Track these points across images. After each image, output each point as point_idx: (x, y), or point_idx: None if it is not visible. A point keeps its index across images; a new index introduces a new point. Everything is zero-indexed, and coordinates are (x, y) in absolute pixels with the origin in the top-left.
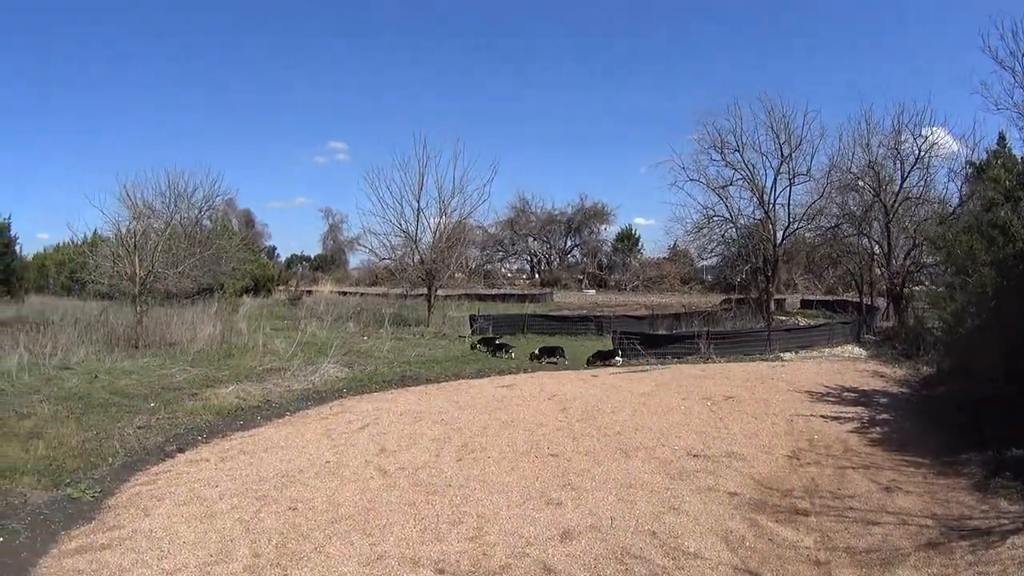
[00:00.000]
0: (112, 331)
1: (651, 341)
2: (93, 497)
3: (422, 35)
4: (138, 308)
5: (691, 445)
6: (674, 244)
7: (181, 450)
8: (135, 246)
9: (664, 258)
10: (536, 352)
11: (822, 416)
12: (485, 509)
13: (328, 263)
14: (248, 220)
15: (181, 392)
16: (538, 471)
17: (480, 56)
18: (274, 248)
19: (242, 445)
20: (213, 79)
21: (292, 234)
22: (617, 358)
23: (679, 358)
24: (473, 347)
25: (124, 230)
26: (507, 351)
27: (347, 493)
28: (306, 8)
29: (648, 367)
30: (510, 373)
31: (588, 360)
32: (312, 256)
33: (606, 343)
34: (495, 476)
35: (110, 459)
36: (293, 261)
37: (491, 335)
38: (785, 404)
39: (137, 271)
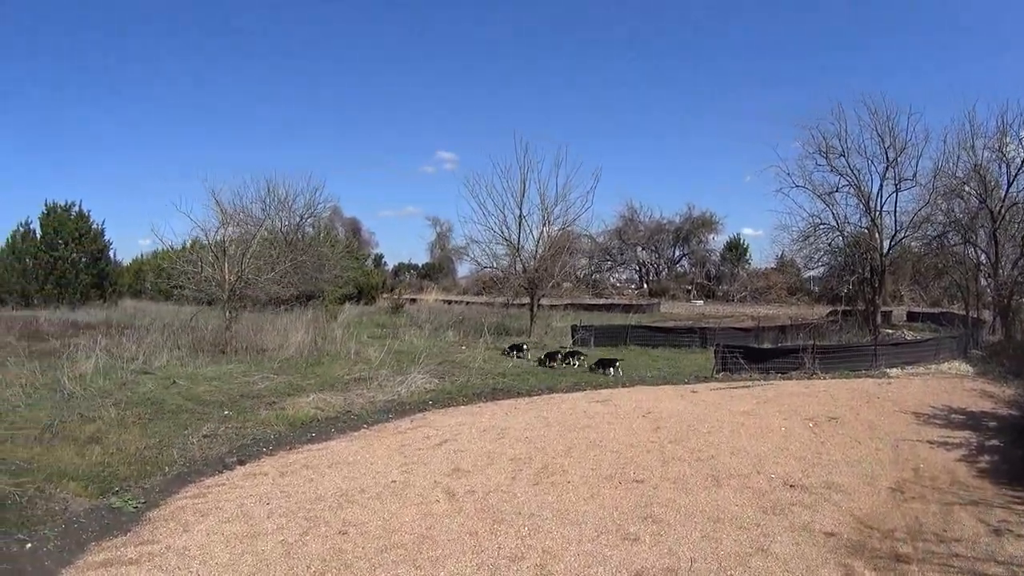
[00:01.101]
0: (200, 336)
1: (754, 355)
2: (135, 508)
3: (531, 46)
4: (227, 314)
5: (789, 473)
6: (781, 254)
7: (242, 462)
8: (224, 251)
9: (771, 268)
10: (593, 364)
11: (928, 442)
12: (553, 543)
13: (435, 271)
14: (355, 228)
15: (259, 400)
16: (619, 499)
17: (586, 66)
18: (381, 256)
19: (307, 459)
20: (326, 92)
21: (401, 243)
22: (611, 369)
23: (783, 373)
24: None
25: (212, 235)
26: (573, 360)
27: (406, 518)
28: (418, 20)
29: (751, 383)
30: (607, 387)
31: (590, 367)
32: (420, 264)
33: (710, 356)
34: (571, 504)
35: (166, 468)
36: (400, 269)
37: (556, 350)
38: (891, 427)
39: (226, 276)
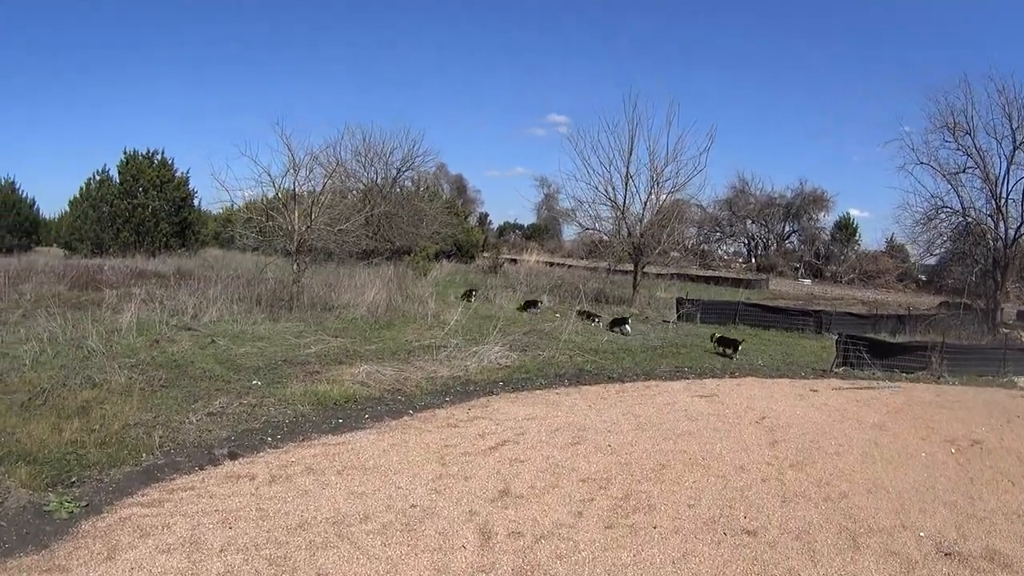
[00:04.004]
0: (265, 290)
1: (878, 349)
2: (69, 514)
3: (654, 12)
4: (295, 267)
5: (941, 530)
6: (891, 237)
7: (234, 455)
8: (294, 198)
9: (881, 252)
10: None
11: None
12: None
13: (540, 233)
14: (460, 185)
15: (300, 368)
16: (721, 566)
17: (699, 38)
18: (486, 215)
19: (314, 459)
20: (446, 59)
21: (508, 203)
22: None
23: (908, 373)
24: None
25: (280, 182)
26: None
27: (409, 573)
28: None
29: (876, 383)
30: (713, 376)
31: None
32: (525, 225)
33: (828, 345)
34: (652, 568)
35: (143, 455)
36: (506, 229)
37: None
38: None
39: (296, 226)
